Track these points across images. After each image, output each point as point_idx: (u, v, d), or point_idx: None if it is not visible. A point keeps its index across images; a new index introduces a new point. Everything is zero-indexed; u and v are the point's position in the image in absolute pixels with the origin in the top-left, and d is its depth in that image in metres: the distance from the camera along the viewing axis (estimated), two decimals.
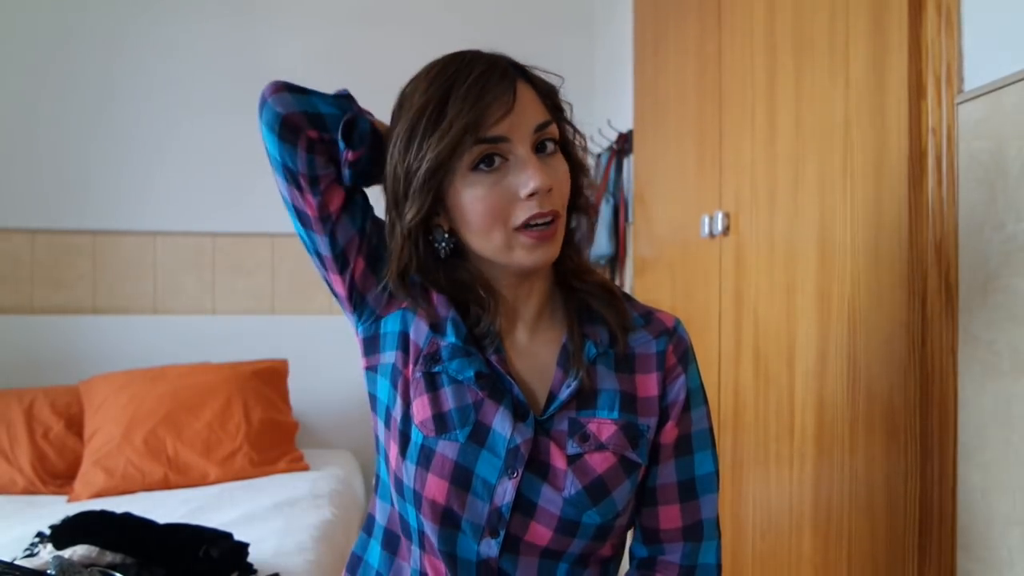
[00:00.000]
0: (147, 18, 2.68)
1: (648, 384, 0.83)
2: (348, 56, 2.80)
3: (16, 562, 1.27)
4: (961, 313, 0.97)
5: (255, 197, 2.74)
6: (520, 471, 0.77)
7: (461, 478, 0.77)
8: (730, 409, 1.55)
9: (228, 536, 1.47)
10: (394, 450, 0.81)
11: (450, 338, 0.81)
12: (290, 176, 0.81)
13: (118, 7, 2.66)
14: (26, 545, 1.43)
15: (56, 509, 1.82)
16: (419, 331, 0.83)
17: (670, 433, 0.84)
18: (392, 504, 0.83)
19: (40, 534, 1.43)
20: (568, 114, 0.84)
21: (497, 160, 0.76)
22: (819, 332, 1.23)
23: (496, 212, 0.75)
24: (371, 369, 0.85)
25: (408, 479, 0.78)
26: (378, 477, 0.88)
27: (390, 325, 0.84)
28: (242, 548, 1.46)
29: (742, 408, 1.50)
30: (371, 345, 0.85)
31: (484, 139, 0.74)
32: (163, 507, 1.84)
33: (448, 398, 0.80)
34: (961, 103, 0.97)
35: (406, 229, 0.79)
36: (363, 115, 0.84)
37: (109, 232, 2.66)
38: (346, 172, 0.82)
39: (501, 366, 0.81)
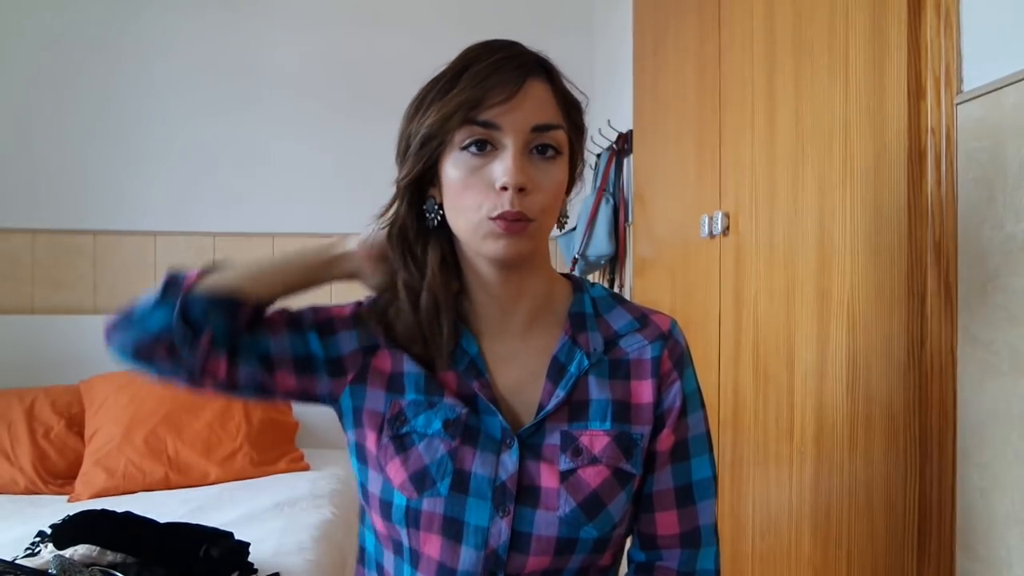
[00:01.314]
0: (147, 18, 2.68)
1: (642, 391, 0.81)
2: (346, 56, 2.80)
3: (17, 561, 1.28)
4: (960, 313, 0.97)
5: (255, 197, 2.75)
6: (512, 508, 0.76)
7: (452, 531, 0.76)
8: (730, 409, 1.55)
9: (228, 535, 1.47)
10: (379, 521, 0.80)
11: (410, 395, 0.80)
12: (173, 380, 0.82)
13: (118, 7, 2.67)
14: (27, 544, 1.43)
15: (57, 509, 1.82)
16: (375, 399, 0.82)
17: (666, 440, 0.82)
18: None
19: (41, 533, 1.43)
20: (585, 135, 0.82)
21: (488, 147, 0.74)
22: (818, 332, 1.23)
23: (470, 196, 0.74)
24: (348, 447, 0.86)
25: (404, 539, 0.78)
26: (362, 549, 0.88)
27: (344, 402, 0.84)
28: (242, 548, 1.46)
29: (742, 408, 1.50)
30: (343, 424, 0.86)
31: (474, 121, 0.73)
32: (163, 507, 1.85)
33: (421, 455, 0.78)
34: (960, 103, 0.97)
35: (398, 187, 0.80)
36: (193, 289, 0.79)
37: (109, 232, 2.67)
38: (215, 349, 0.80)
39: (483, 391, 0.79)
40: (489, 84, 0.73)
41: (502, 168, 0.73)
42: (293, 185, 2.77)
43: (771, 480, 1.39)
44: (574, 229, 2.54)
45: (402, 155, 0.80)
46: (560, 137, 0.77)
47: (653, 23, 2.05)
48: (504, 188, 0.73)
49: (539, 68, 0.77)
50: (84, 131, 2.64)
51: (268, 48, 2.76)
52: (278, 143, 2.76)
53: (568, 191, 0.84)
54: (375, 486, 0.80)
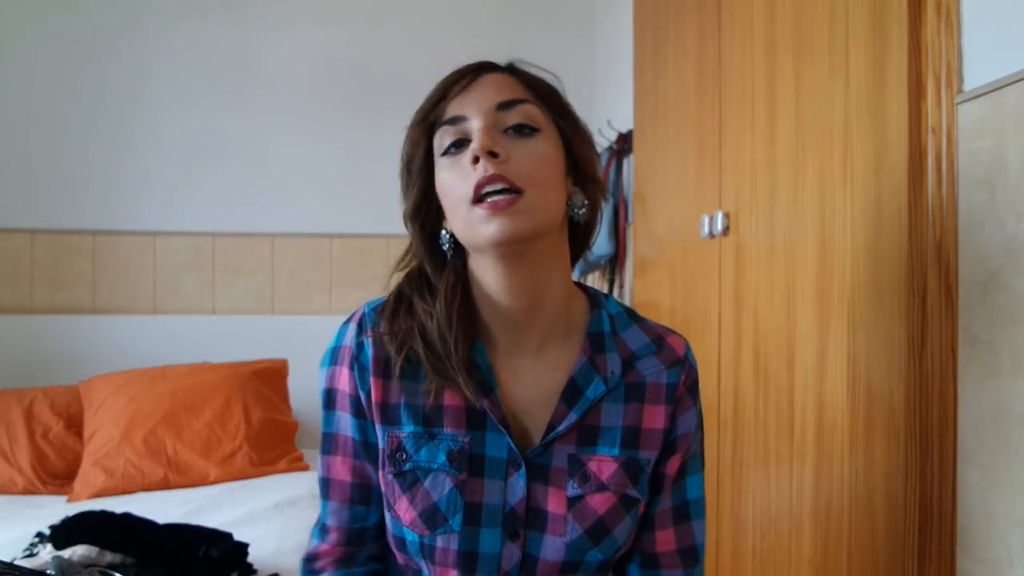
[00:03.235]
0: (146, 17, 2.68)
1: (655, 416, 0.80)
2: (346, 56, 2.80)
3: (16, 562, 1.27)
4: (961, 313, 0.97)
5: (255, 197, 2.74)
6: (522, 533, 0.76)
7: (467, 563, 0.75)
8: (730, 409, 1.55)
9: (228, 536, 1.47)
10: (395, 552, 0.80)
11: (408, 427, 0.77)
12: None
13: (117, 6, 2.66)
14: (26, 545, 1.43)
15: (56, 509, 1.81)
16: (371, 432, 0.80)
17: (675, 463, 0.82)
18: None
19: (40, 534, 1.43)
20: (575, 117, 0.80)
21: (465, 143, 0.74)
22: (819, 332, 1.23)
23: (455, 187, 0.73)
24: None
25: (423, 569, 0.78)
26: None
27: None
28: (242, 548, 1.46)
29: (742, 408, 1.50)
30: None
31: (441, 121, 0.75)
32: (163, 507, 1.84)
33: (428, 492, 0.76)
34: (961, 103, 0.97)
35: (406, 223, 0.80)
36: None
37: (109, 232, 2.66)
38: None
39: (493, 411, 0.77)
40: (445, 84, 0.76)
41: (471, 141, 0.73)
42: (293, 185, 2.76)
43: (771, 480, 1.39)
44: None
45: (403, 191, 0.80)
46: (531, 112, 0.75)
47: (653, 23, 2.05)
48: (476, 160, 0.71)
49: (497, 65, 0.79)
50: (83, 131, 2.64)
51: (268, 48, 2.75)
52: (278, 143, 2.76)
53: (587, 183, 0.80)
54: (386, 522, 0.80)
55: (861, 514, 1.13)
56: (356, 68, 2.80)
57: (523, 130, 0.74)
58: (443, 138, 0.75)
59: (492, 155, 0.71)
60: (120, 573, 1.27)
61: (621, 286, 2.46)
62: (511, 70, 0.79)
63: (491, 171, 0.70)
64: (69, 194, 2.63)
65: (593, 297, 0.85)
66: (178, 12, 2.70)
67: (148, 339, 2.61)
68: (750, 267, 1.47)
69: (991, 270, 0.92)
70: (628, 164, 2.39)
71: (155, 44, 2.69)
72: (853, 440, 1.15)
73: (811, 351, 1.25)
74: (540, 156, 0.73)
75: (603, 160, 2.49)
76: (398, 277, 0.83)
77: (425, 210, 0.79)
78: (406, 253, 0.83)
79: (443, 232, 0.79)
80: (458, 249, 0.79)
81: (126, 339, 2.60)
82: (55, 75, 2.62)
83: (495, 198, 0.70)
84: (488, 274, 0.77)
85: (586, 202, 0.80)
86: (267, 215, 2.75)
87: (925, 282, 1.02)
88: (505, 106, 0.74)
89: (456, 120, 0.74)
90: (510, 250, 0.73)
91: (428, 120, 0.76)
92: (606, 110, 2.67)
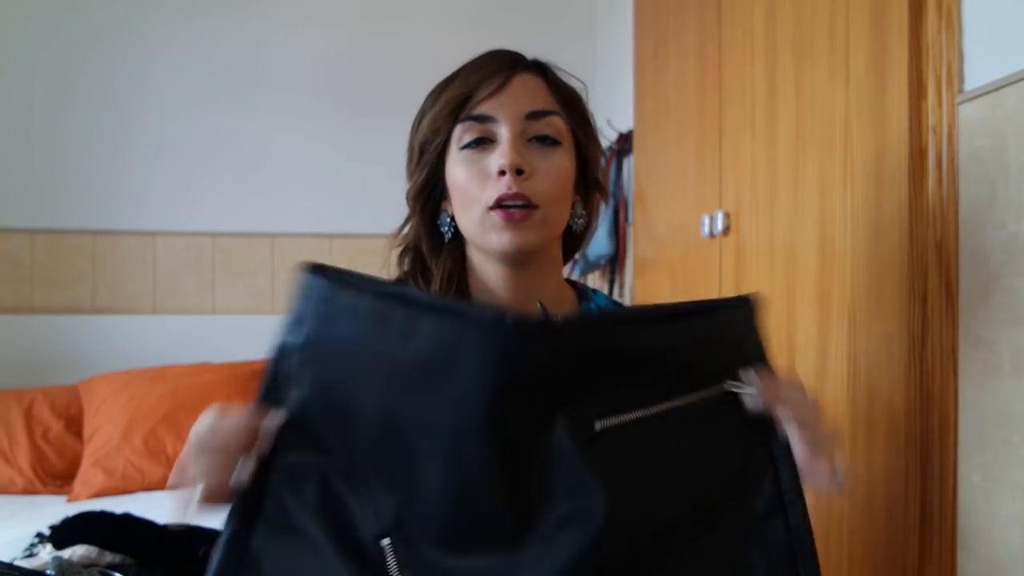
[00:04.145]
0: (146, 16, 2.68)
1: None
2: (346, 56, 2.80)
3: (15, 563, 1.27)
4: (962, 313, 0.97)
5: (255, 197, 2.74)
6: None
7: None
8: None
9: None
10: None
11: None
12: None
13: (117, 6, 2.66)
14: (25, 545, 1.43)
15: (55, 509, 1.81)
16: None
17: None
18: None
19: (39, 534, 1.43)
20: (592, 126, 0.83)
21: (487, 142, 0.76)
22: (819, 332, 1.23)
23: (473, 188, 0.75)
24: None
25: None
26: None
27: None
28: None
29: None
30: None
31: (468, 116, 0.76)
32: (163, 507, 1.84)
33: None
34: (962, 103, 0.97)
35: (409, 202, 0.81)
36: None
37: (108, 232, 2.66)
38: None
39: None
40: (477, 79, 0.76)
41: (498, 153, 0.74)
42: (293, 185, 2.76)
43: None
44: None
45: (409, 169, 0.82)
46: (558, 124, 0.77)
47: (654, 23, 2.05)
48: (502, 172, 0.73)
49: (528, 64, 0.80)
50: (83, 131, 2.64)
51: (268, 48, 2.75)
52: (278, 143, 2.76)
53: (591, 191, 0.83)
54: None
55: (862, 514, 1.13)
56: (356, 68, 2.80)
57: (546, 141, 0.76)
58: (465, 132, 0.76)
59: (518, 172, 0.73)
60: (120, 573, 1.26)
61: (621, 286, 2.46)
62: (542, 72, 0.80)
63: (515, 189, 0.73)
64: (69, 194, 2.63)
65: (581, 290, 0.88)
66: (178, 12, 2.70)
67: (148, 339, 2.61)
68: (750, 267, 1.46)
69: (991, 270, 0.92)
70: (628, 164, 2.39)
71: (155, 44, 2.68)
72: (853, 440, 1.14)
73: (811, 351, 1.25)
74: (560, 172, 0.77)
75: (603, 160, 2.49)
76: (395, 253, 0.85)
77: (430, 191, 0.80)
78: (403, 227, 0.84)
79: (443, 215, 0.81)
80: (457, 232, 0.81)
81: (126, 339, 2.60)
82: (55, 75, 2.62)
83: (512, 209, 0.73)
84: (489, 270, 0.80)
85: (584, 212, 0.83)
86: (267, 215, 2.75)
87: (925, 282, 1.02)
88: (534, 116, 0.76)
89: (484, 119, 0.75)
90: (517, 257, 0.77)
91: (455, 113, 0.76)
92: (606, 110, 2.66)
